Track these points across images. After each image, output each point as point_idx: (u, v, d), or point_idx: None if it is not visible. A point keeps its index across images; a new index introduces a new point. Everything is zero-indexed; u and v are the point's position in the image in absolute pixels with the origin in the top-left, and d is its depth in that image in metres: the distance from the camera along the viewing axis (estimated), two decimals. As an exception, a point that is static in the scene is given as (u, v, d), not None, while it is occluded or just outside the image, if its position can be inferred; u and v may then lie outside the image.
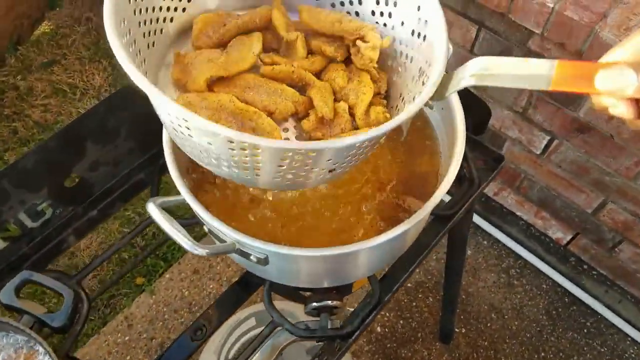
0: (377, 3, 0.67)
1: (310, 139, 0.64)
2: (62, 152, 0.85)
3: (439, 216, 0.81)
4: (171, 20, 0.67)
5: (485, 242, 1.81)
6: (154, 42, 0.64)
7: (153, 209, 0.61)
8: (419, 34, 0.61)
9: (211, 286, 1.69)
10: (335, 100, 0.66)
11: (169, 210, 0.64)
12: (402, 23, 0.64)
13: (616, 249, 1.48)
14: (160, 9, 0.65)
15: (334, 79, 0.66)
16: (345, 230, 0.71)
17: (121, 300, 1.68)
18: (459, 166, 0.65)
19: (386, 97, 0.67)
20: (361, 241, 0.61)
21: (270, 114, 0.63)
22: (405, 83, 0.64)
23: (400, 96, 0.64)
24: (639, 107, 0.44)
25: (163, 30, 0.66)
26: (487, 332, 1.65)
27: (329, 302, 0.74)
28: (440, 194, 0.63)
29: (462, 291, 1.68)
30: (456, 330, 1.63)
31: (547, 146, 1.39)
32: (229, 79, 0.64)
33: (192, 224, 0.82)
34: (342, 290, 0.76)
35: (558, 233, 1.65)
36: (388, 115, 0.63)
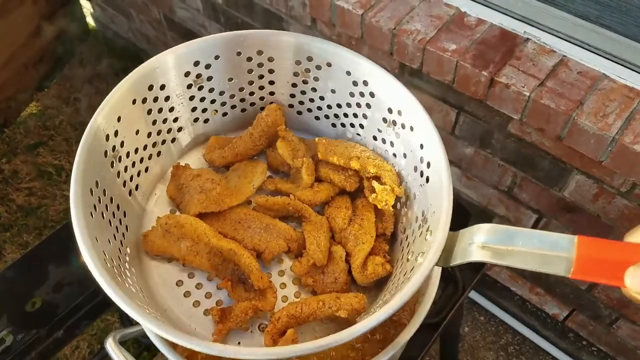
0: (380, 131, 0.65)
1: (301, 284, 0.61)
2: (22, 279, 0.84)
3: (426, 325, 0.77)
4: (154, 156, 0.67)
5: (482, 318, 1.75)
6: (143, 170, 0.64)
7: (112, 348, 0.57)
8: (421, 173, 0.57)
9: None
10: (335, 240, 0.62)
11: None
12: (405, 155, 0.61)
13: (614, 326, 1.44)
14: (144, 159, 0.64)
15: (335, 218, 0.62)
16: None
17: None
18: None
19: (392, 239, 0.64)
20: None
21: (259, 254, 0.59)
22: (409, 221, 0.60)
23: (406, 237, 0.60)
24: None
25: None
26: (487, 415, 1.56)
27: None
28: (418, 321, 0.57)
29: (460, 371, 1.61)
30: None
31: (535, 224, 1.36)
32: (222, 212, 0.62)
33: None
34: None
35: (554, 309, 1.60)
36: (388, 267, 0.58)
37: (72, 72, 2.53)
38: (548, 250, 0.40)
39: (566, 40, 1.19)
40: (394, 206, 0.62)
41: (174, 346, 0.55)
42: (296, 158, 0.66)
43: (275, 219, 0.62)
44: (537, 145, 1.26)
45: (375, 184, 0.60)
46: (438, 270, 0.59)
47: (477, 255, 0.44)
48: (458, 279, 0.78)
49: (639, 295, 0.40)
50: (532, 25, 1.22)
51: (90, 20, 2.70)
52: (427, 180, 0.55)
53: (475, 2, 1.27)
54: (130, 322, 0.77)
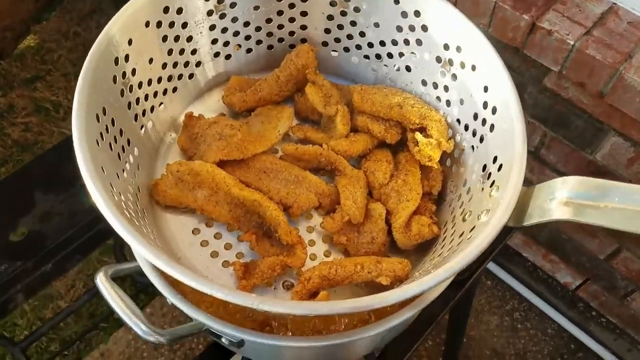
0: (431, 73, 0.56)
1: (332, 242, 0.53)
2: (5, 206, 0.77)
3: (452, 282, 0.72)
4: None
5: (489, 282, 1.72)
6: (156, 108, 0.56)
7: (102, 284, 0.49)
8: (484, 121, 0.50)
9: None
10: (372, 197, 0.55)
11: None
12: (462, 102, 0.53)
13: (628, 298, 1.41)
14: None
15: (374, 172, 0.54)
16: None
17: (98, 335, 1.58)
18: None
19: (438, 199, 0.56)
20: (365, 327, 0.51)
21: (286, 208, 0.52)
22: (462, 178, 0.53)
23: (457, 196, 0.53)
24: None
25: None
26: (489, 379, 1.56)
27: None
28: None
29: (463, 334, 1.59)
30: (456, 376, 1.53)
31: None
32: (244, 160, 0.54)
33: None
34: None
35: (567, 277, 1.57)
36: (435, 228, 0.51)
37: (72, 4, 2.41)
38: None
39: None
40: (443, 162, 0.55)
41: (174, 285, 0.48)
42: (329, 105, 0.58)
43: (305, 171, 0.55)
44: (573, 102, 1.18)
45: (418, 136, 0.53)
46: None
47: (558, 212, 0.39)
48: None
49: None
50: (582, -34, 1.12)
51: (91, -51, 2.58)
52: (492, 128, 0.48)
53: None
54: (126, 259, 0.71)
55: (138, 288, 1.49)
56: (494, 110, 0.48)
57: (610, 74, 1.00)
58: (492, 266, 1.69)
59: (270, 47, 0.63)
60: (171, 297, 0.47)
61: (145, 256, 0.37)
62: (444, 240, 0.49)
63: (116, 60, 0.48)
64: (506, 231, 0.78)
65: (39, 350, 1.52)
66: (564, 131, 1.24)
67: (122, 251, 0.79)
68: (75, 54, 2.24)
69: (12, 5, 2.17)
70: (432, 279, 0.36)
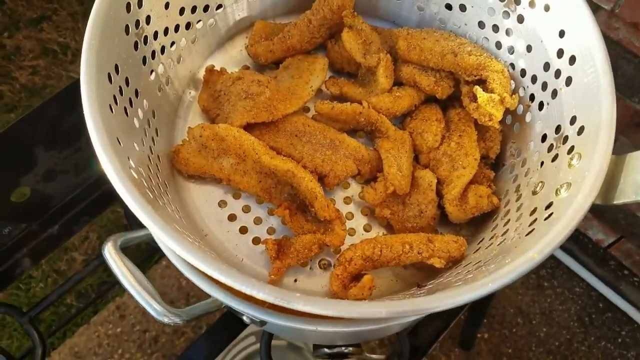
0: (491, 13, 0.48)
1: (372, 215, 0.48)
2: (2, 163, 0.70)
3: None
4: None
5: None
6: (175, 61, 0.49)
7: (111, 257, 0.44)
8: (557, 72, 0.42)
9: (212, 278, 1.60)
10: (420, 163, 0.48)
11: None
12: (529, 49, 0.46)
13: None
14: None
15: (422, 133, 0.47)
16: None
17: (113, 288, 1.58)
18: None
19: (496, 163, 0.50)
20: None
21: (322, 176, 0.47)
22: (527, 140, 0.46)
23: (521, 162, 0.46)
24: None
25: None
26: (512, 338, 1.56)
27: (343, 349, 0.61)
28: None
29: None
30: (478, 335, 1.53)
31: None
32: (274, 122, 0.48)
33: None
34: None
35: (599, 234, 1.53)
36: (495, 200, 0.45)
37: None
38: None
39: None
40: (503, 121, 0.48)
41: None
42: (368, 54, 0.50)
43: (342, 133, 0.49)
44: (624, 44, 1.08)
45: (478, 90, 0.45)
46: None
47: None
48: None
49: None
50: None
51: None
52: (568, 82, 0.41)
53: None
54: (138, 225, 0.66)
55: (145, 253, 1.47)
56: (571, 60, 0.41)
57: None
58: None
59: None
60: (189, 274, 0.42)
61: (175, 250, 0.31)
62: (506, 214, 0.43)
63: (128, 6, 0.40)
64: None
65: (55, 304, 1.53)
66: None
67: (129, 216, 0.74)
68: None
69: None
70: (511, 272, 0.31)
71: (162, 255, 1.61)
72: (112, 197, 0.81)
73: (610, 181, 0.35)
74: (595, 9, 1.04)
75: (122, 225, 1.60)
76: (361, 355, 0.62)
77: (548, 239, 0.33)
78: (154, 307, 0.45)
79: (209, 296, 0.43)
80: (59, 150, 0.74)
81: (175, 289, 1.58)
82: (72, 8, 2.12)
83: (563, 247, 1.63)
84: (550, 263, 1.62)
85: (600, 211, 1.42)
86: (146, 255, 1.59)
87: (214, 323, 0.73)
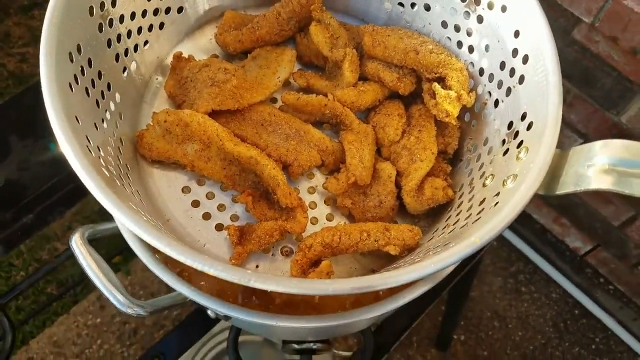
0: (453, 13, 0.50)
1: (335, 205, 0.50)
2: None
3: None
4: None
5: (494, 243, 1.73)
6: (143, 46, 0.50)
7: (78, 247, 0.46)
8: (512, 71, 0.45)
9: (191, 271, 1.61)
10: (381, 155, 0.50)
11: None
12: (487, 48, 0.48)
13: (639, 267, 1.40)
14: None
15: (384, 127, 0.49)
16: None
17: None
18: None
19: (453, 159, 0.52)
20: (365, 307, 0.47)
21: (286, 166, 0.48)
22: (483, 136, 0.48)
23: (476, 156, 0.48)
24: None
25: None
26: (488, 341, 1.58)
27: (312, 345, 0.62)
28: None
29: (463, 295, 1.60)
30: (454, 337, 1.55)
31: None
32: (240, 111, 0.49)
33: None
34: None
35: (576, 242, 1.56)
36: (450, 192, 0.47)
37: None
38: None
39: None
40: (461, 117, 0.50)
41: (156, 252, 0.44)
42: (335, 48, 0.52)
43: (308, 124, 0.50)
44: (603, 57, 1.12)
45: (436, 87, 0.47)
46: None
47: (598, 181, 0.34)
48: None
49: None
50: None
51: None
52: (521, 80, 0.43)
53: None
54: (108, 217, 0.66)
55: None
56: (525, 59, 0.43)
57: None
58: None
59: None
60: (152, 267, 0.43)
61: (128, 226, 0.32)
62: (459, 206, 0.45)
63: (91, -10, 0.42)
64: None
65: (36, 292, 1.53)
66: (589, 89, 1.18)
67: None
68: None
69: None
70: (454, 255, 0.33)
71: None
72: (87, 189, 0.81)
73: (554, 173, 0.37)
74: (575, 22, 1.07)
75: (106, 213, 1.62)
76: (329, 351, 0.63)
77: (491, 226, 0.35)
78: (117, 298, 0.46)
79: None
80: (34, 139, 0.75)
81: (157, 281, 1.59)
82: None
83: (542, 253, 1.64)
84: (529, 269, 1.65)
85: (579, 219, 1.45)
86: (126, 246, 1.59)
87: (186, 317, 0.74)
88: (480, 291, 1.63)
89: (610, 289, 1.53)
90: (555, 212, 1.51)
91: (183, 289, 0.41)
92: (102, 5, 0.43)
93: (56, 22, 0.38)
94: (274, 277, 0.34)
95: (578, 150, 0.36)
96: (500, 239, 1.68)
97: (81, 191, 0.81)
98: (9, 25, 2.03)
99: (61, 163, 0.76)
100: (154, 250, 0.43)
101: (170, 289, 0.44)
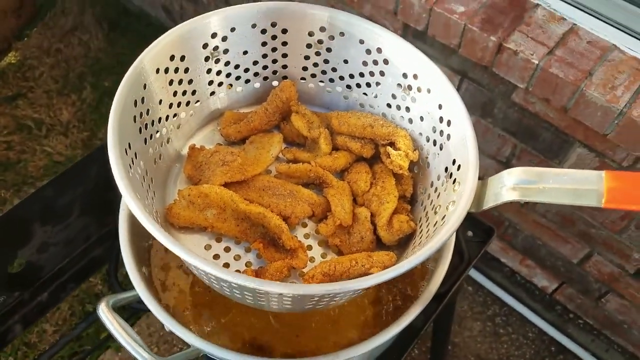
0: (394, 97, 0.71)
1: (327, 245, 0.66)
2: (5, 239, 0.85)
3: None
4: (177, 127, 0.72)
5: (470, 289, 1.83)
6: (165, 141, 0.69)
7: (105, 315, 0.61)
8: (441, 132, 0.64)
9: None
10: (357, 203, 0.68)
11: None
12: (422, 118, 0.68)
13: (602, 300, 1.54)
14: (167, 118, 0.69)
15: (356, 182, 0.68)
16: (323, 337, 0.72)
17: (84, 359, 1.63)
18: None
19: (411, 200, 0.70)
20: (351, 347, 0.61)
21: (285, 218, 0.65)
22: (429, 180, 0.67)
23: (427, 196, 0.66)
24: None
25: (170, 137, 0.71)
26: (477, 386, 1.65)
27: None
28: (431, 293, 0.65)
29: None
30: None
31: None
32: (245, 181, 0.67)
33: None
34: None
35: (543, 281, 1.68)
36: (412, 224, 0.64)
37: (53, 21, 2.50)
38: (579, 185, 0.49)
39: (577, 8, 1.20)
40: (412, 169, 0.69)
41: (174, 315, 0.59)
42: (312, 129, 0.72)
43: (298, 186, 0.68)
44: (540, 116, 1.29)
45: (389, 149, 0.67)
46: (451, 244, 0.67)
47: (508, 196, 0.52)
48: (464, 250, 0.85)
49: None
50: (544, -10, 1.20)
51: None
52: (449, 137, 0.62)
53: (486, -37, 1.27)
54: (121, 288, 0.79)
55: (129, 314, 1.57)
56: (449, 123, 0.62)
57: (573, 90, 1.10)
58: (472, 272, 1.81)
59: (257, 84, 0.77)
60: (170, 325, 0.59)
61: (188, 259, 0.48)
62: (420, 233, 0.62)
63: (135, 103, 0.60)
64: (483, 240, 0.90)
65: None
66: (532, 143, 1.36)
67: (116, 277, 0.87)
68: (57, 71, 2.34)
69: (-5, 23, 2.25)
70: (418, 257, 0.49)
71: (146, 310, 1.70)
72: (95, 264, 0.94)
73: (480, 196, 0.55)
74: (513, 88, 1.25)
75: (94, 294, 1.67)
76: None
77: (437, 239, 0.52)
78: (143, 355, 0.60)
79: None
80: (53, 225, 0.89)
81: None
82: (47, 86, 2.29)
83: (514, 294, 1.77)
84: (504, 311, 1.77)
85: (542, 260, 1.61)
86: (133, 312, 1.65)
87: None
88: (462, 337, 1.71)
89: (580, 324, 1.64)
90: (520, 254, 1.65)
91: (198, 343, 0.56)
92: (141, 114, 0.61)
93: (115, 127, 0.55)
94: (270, 282, 0.50)
95: (493, 178, 0.55)
96: (475, 285, 1.80)
97: (89, 268, 0.93)
98: (-6, 116, 2.15)
99: (73, 244, 0.89)
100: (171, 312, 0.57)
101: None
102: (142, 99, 0.61)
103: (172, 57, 0.65)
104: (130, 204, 0.50)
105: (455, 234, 0.74)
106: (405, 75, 0.68)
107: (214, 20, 0.68)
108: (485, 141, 1.47)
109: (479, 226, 0.91)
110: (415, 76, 0.67)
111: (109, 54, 2.46)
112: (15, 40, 2.41)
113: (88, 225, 0.93)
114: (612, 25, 1.19)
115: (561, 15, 1.24)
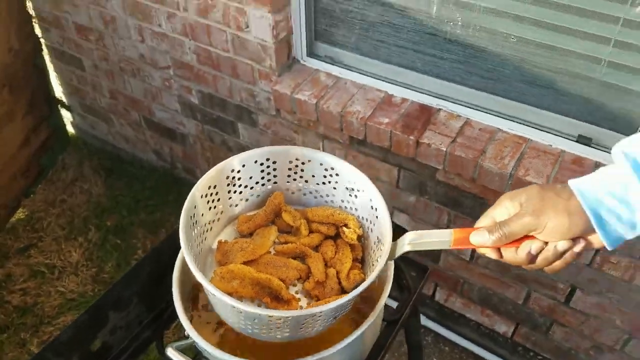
0: (342, 201, 1.17)
1: (310, 296, 1.05)
2: (90, 323, 1.16)
3: (389, 321, 1.23)
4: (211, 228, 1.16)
5: (446, 348, 2.08)
6: (204, 239, 1.12)
7: (174, 354, 0.97)
8: (373, 216, 1.07)
9: None
10: (327, 266, 1.09)
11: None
12: (363, 207, 1.12)
13: (550, 332, 1.82)
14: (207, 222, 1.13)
15: (326, 252, 1.11)
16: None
17: None
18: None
19: (362, 260, 1.12)
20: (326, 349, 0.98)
21: (283, 280, 1.05)
22: (371, 246, 1.09)
23: (370, 256, 1.08)
24: (500, 253, 0.84)
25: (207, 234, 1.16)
26: None
27: None
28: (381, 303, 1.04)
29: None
30: None
31: (472, 253, 1.83)
32: (255, 259, 1.08)
33: None
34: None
35: (503, 327, 1.96)
36: (363, 275, 1.06)
37: (56, 176, 2.83)
38: (441, 238, 0.89)
39: (468, 107, 1.69)
40: (360, 240, 1.12)
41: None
42: (295, 221, 1.15)
43: (289, 259, 1.10)
44: (459, 187, 1.72)
45: (344, 229, 1.10)
46: (391, 272, 1.07)
47: (406, 247, 0.92)
48: (410, 285, 1.23)
49: (483, 249, 0.85)
50: (443, 99, 1.74)
51: (70, 128, 3.03)
52: (377, 217, 1.06)
53: (398, 86, 1.80)
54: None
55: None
56: (375, 209, 1.07)
57: (474, 165, 1.55)
58: (445, 332, 2.06)
59: (258, 196, 1.22)
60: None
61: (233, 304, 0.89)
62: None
63: (192, 216, 1.04)
64: (422, 277, 1.30)
65: None
66: (460, 209, 1.76)
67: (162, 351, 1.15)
68: (63, 219, 2.63)
69: (7, 186, 2.58)
70: (358, 290, 0.90)
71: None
72: (147, 343, 1.27)
73: (393, 250, 0.96)
74: (434, 169, 1.69)
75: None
76: None
77: (370, 277, 0.93)
78: None
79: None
80: (120, 312, 1.24)
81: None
82: (55, 233, 2.56)
83: (482, 345, 2.14)
84: None
85: (496, 307, 1.88)
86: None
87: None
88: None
89: (540, 359, 1.91)
90: (479, 306, 1.94)
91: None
92: (195, 223, 1.05)
93: (184, 234, 0.98)
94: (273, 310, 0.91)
95: (399, 239, 0.96)
96: (450, 344, 2.06)
97: (143, 347, 1.28)
98: (10, 267, 2.41)
99: (132, 327, 1.26)
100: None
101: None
102: (193, 214, 1.05)
103: (209, 187, 1.10)
104: (196, 274, 0.91)
105: (400, 274, 1.14)
106: (350, 183, 1.13)
107: (231, 162, 1.14)
108: (426, 214, 1.89)
109: (419, 267, 1.29)
110: (354, 183, 1.12)
111: (108, 197, 2.74)
112: (23, 198, 2.70)
113: (141, 312, 1.26)
114: (495, 115, 1.66)
115: (457, 113, 1.74)
